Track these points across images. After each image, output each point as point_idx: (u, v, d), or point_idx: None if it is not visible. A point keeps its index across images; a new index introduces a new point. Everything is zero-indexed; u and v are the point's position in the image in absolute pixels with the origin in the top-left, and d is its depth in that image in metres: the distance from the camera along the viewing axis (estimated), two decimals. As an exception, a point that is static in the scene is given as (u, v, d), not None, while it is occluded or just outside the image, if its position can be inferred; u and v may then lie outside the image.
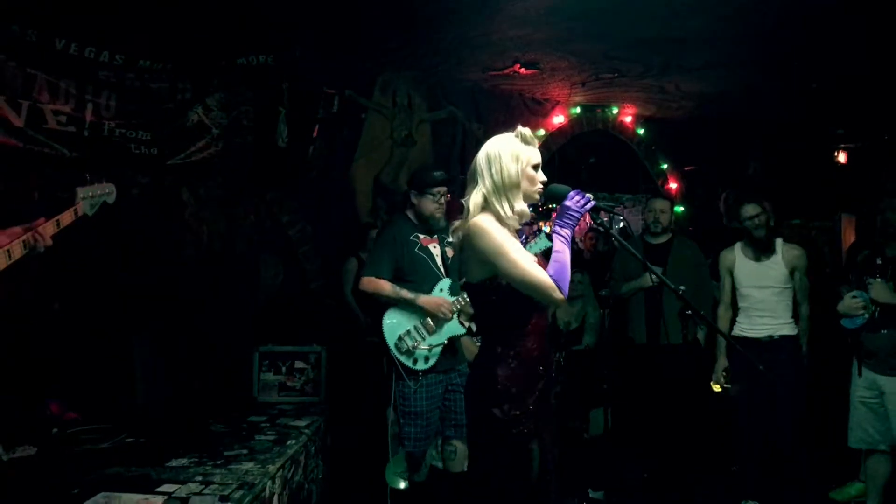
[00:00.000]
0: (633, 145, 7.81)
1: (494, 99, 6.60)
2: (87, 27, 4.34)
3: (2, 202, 3.92)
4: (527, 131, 2.21)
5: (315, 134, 5.25)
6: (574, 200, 2.16)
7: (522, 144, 2.19)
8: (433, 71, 5.93)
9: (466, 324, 3.55)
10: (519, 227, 2.20)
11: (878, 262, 3.28)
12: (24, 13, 4.09)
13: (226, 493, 2.73)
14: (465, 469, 3.46)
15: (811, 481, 3.89)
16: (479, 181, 2.16)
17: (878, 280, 3.24)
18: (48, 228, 2.02)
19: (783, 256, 3.83)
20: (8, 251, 1.84)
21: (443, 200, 3.41)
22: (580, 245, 8.19)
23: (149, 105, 4.69)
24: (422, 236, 3.44)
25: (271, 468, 3.06)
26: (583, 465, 4.40)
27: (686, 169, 8.10)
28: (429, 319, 3.32)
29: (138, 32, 4.50)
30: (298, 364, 4.37)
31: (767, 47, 5.10)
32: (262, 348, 4.40)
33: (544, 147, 7.04)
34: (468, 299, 3.32)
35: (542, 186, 2.20)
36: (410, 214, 3.49)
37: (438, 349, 3.35)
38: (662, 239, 4.38)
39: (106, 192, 2.39)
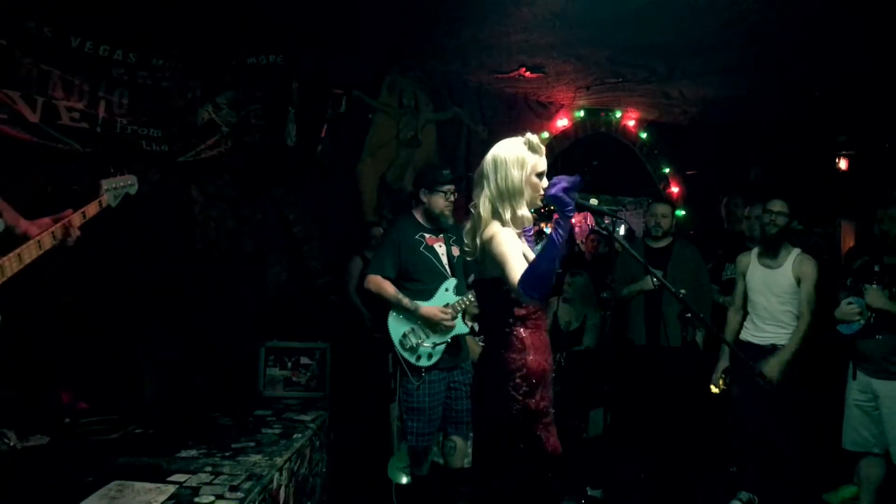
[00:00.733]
0: (636, 149, 7.87)
1: (499, 101, 6.66)
2: (102, 26, 4.42)
3: (17, 195, 3.97)
4: (535, 139, 2.27)
5: (323, 133, 5.32)
6: (557, 187, 2.03)
7: (529, 152, 2.25)
8: (439, 73, 6.01)
9: (469, 323, 3.63)
10: (519, 231, 2.27)
11: (877, 269, 3.34)
12: (41, 11, 4.17)
13: (235, 483, 2.81)
14: (465, 465, 3.54)
15: (806, 483, 3.96)
16: (485, 185, 2.23)
17: (874, 286, 3.30)
18: (76, 219, 2.09)
19: (793, 266, 3.85)
20: (38, 242, 1.90)
21: (451, 198, 3.48)
22: (582, 247, 8.26)
23: (160, 103, 4.77)
24: (427, 236, 3.49)
25: (279, 460, 3.14)
26: (582, 465, 4.47)
27: (688, 173, 8.17)
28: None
29: (151, 32, 4.58)
30: (304, 360, 4.45)
31: (769, 53, 5.16)
32: (269, 344, 4.47)
33: (548, 149, 7.10)
34: (472, 299, 3.39)
35: (543, 192, 2.26)
36: (417, 214, 3.55)
37: (442, 347, 3.41)
38: (663, 243, 4.45)
39: (129, 183, 2.46)
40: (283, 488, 3.15)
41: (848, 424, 3.63)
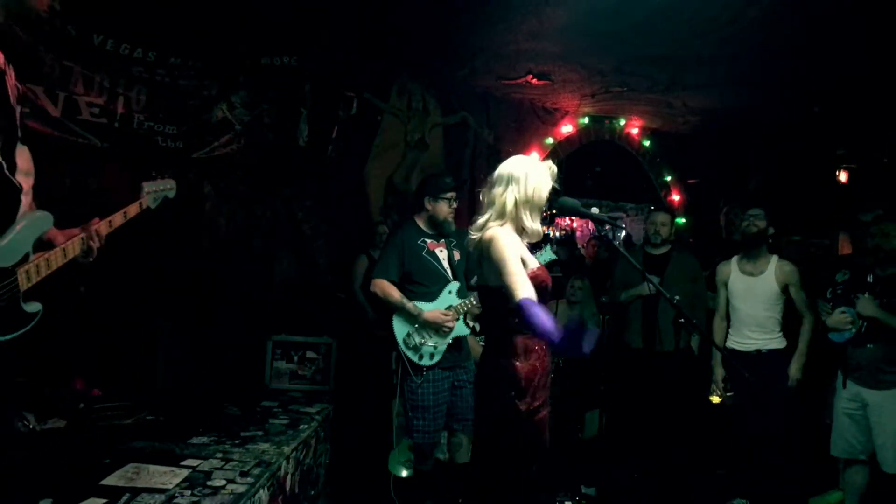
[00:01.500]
0: (639, 156, 7.99)
1: (506, 106, 6.79)
2: (123, 25, 4.55)
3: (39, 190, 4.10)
4: (554, 167, 2.45)
5: (334, 134, 5.45)
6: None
7: (549, 174, 2.42)
8: (448, 77, 6.13)
9: (471, 324, 3.75)
10: (528, 242, 2.41)
11: (870, 279, 3.47)
12: (66, 9, 4.30)
13: (245, 469, 2.94)
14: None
15: (794, 488, 4.07)
16: (514, 186, 2.36)
17: (866, 296, 3.43)
18: (115, 220, 2.20)
19: (775, 273, 3.99)
20: (80, 239, 2.02)
21: (454, 204, 3.61)
22: (582, 251, 8.39)
23: (176, 100, 4.91)
24: (429, 241, 3.62)
25: (286, 449, 3.27)
26: (577, 464, 4.60)
27: (689, 182, 8.29)
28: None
29: (170, 31, 4.71)
30: (309, 354, 4.58)
31: (770, 69, 5.28)
32: (276, 338, 4.60)
33: (552, 155, 7.24)
34: (474, 301, 3.51)
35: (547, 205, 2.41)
36: (419, 220, 3.67)
37: (444, 347, 3.53)
38: (662, 250, 4.58)
39: (168, 187, 2.57)
40: (289, 476, 3.27)
41: (836, 432, 3.75)
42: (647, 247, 4.68)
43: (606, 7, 4.18)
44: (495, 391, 2.30)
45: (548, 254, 3.38)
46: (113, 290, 4.43)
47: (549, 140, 7.20)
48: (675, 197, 8.19)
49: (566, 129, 7.30)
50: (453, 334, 3.55)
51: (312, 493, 3.76)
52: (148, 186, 2.43)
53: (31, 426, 3.26)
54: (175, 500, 2.58)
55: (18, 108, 1.88)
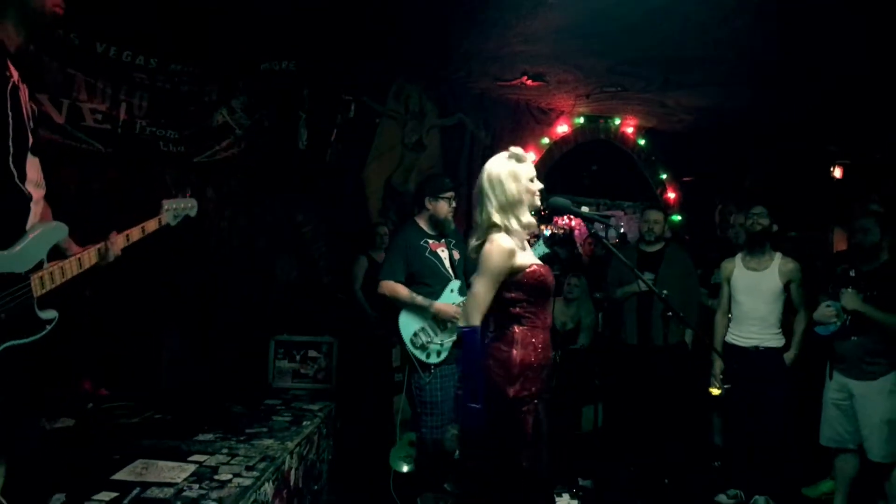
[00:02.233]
0: (634, 155, 8.09)
1: (502, 107, 6.89)
2: (125, 32, 4.65)
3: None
4: (519, 150, 2.48)
5: (333, 138, 5.55)
6: None
7: (517, 163, 2.45)
8: (444, 80, 6.23)
9: None
10: (527, 236, 2.49)
11: (852, 274, 3.57)
12: (69, 18, 4.39)
13: (250, 463, 3.03)
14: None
15: (788, 479, 4.17)
16: (486, 202, 2.43)
17: (850, 290, 3.53)
18: (133, 234, 2.28)
19: (779, 269, 4.08)
20: (97, 250, 2.11)
21: (453, 204, 3.71)
22: (580, 249, 8.49)
23: (177, 106, 5.00)
24: (430, 241, 3.71)
25: (290, 444, 3.36)
26: (574, 458, 4.70)
27: (684, 179, 8.39)
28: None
29: (171, 38, 4.81)
30: (311, 353, 4.67)
31: (762, 68, 5.38)
32: (278, 337, 4.69)
33: (548, 154, 7.35)
34: None
35: (539, 193, 2.48)
36: (420, 221, 3.76)
37: (450, 344, 3.62)
38: (656, 247, 4.67)
39: (189, 206, 2.61)
40: (293, 471, 3.37)
41: (825, 422, 3.84)
42: (641, 244, 4.77)
43: (598, 10, 4.27)
44: (486, 375, 2.39)
45: (540, 248, 3.47)
46: (118, 293, 4.52)
47: (545, 140, 7.30)
48: (671, 194, 8.29)
49: (562, 128, 7.41)
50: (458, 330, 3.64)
51: (316, 487, 3.85)
52: (168, 204, 2.48)
53: (40, 425, 3.36)
54: (184, 493, 2.67)
55: (31, 121, 1.97)
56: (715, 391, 4.33)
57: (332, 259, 5.77)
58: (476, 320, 2.33)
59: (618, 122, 7.75)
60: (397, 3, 4.30)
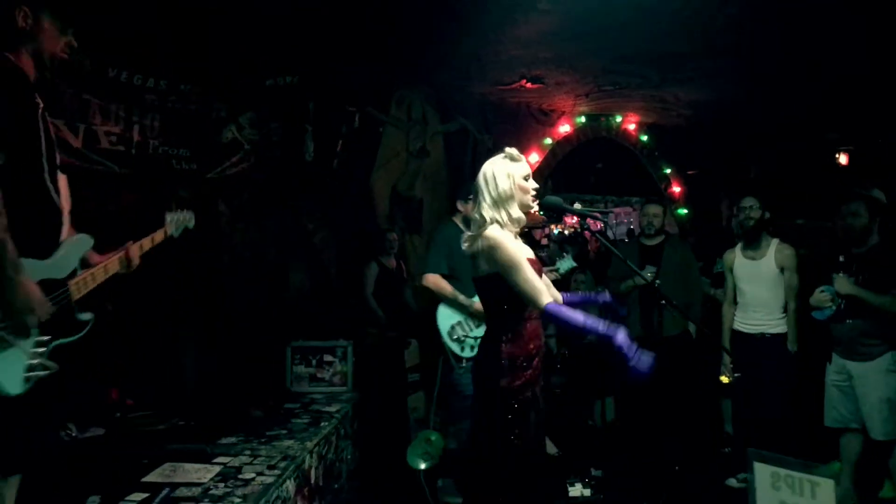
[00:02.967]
0: (637, 151, 8.18)
1: (503, 110, 7.02)
2: (135, 57, 4.83)
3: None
4: (513, 151, 2.63)
5: (339, 148, 5.71)
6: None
7: (511, 162, 2.60)
8: (445, 86, 6.38)
9: None
10: (518, 230, 2.61)
11: (841, 259, 3.67)
12: (80, 44, 4.59)
13: (272, 463, 3.19)
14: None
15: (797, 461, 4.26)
16: (481, 199, 2.58)
17: (842, 275, 3.63)
18: (145, 244, 2.47)
19: (775, 256, 4.21)
20: (119, 259, 2.29)
21: None
22: (588, 246, 8.60)
23: (188, 125, 5.18)
24: None
25: (309, 444, 3.51)
26: (586, 449, 4.82)
27: (689, 173, 8.46)
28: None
29: (179, 61, 5.00)
30: (327, 357, 4.82)
31: (755, 63, 5.48)
32: (294, 343, 4.85)
33: (550, 154, 7.47)
34: None
35: (534, 192, 2.61)
36: (457, 220, 3.97)
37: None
38: (656, 240, 4.78)
39: (186, 218, 2.84)
40: (313, 469, 3.52)
41: (828, 403, 3.93)
42: (642, 238, 4.88)
43: (589, 11, 4.39)
44: (484, 369, 2.53)
45: (568, 262, 3.60)
46: (138, 307, 4.70)
47: (548, 140, 7.42)
48: (676, 188, 8.36)
49: (563, 128, 7.52)
50: None
51: (336, 486, 4.00)
52: (170, 216, 2.70)
53: (73, 434, 3.54)
54: (210, 492, 2.82)
55: (55, 143, 2.15)
56: (725, 379, 4.44)
57: (342, 266, 5.92)
58: (545, 300, 2.39)
59: (619, 119, 7.84)
60: (393, 10, 4.44)
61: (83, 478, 2.94)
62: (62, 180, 2.15)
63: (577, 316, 2.38)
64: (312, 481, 3.49)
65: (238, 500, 2.75)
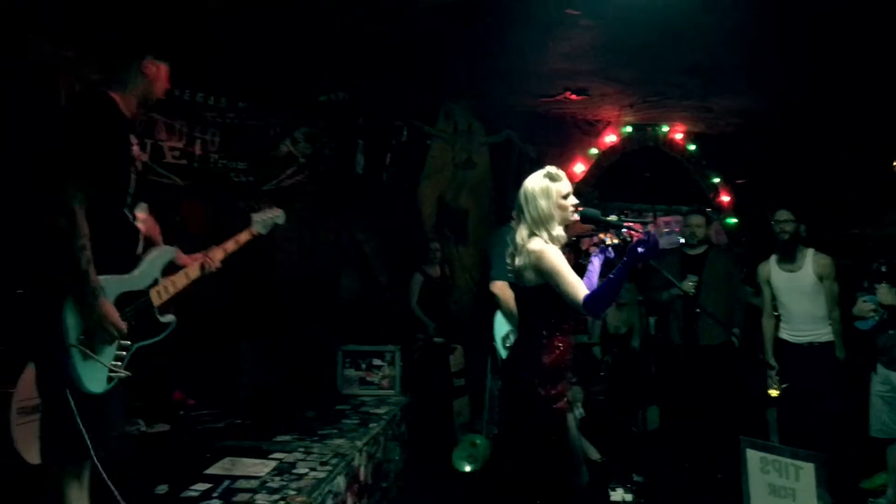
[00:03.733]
0: (684, 160, 8.15)
1: (547, 122, 7.13)
2: (197, 76, 5.14)
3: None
4: (553, 169, 2.71)
5: (387, 161, 5.93)
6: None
7: (551, 182, 2.68)
8: (490, 99, 6.53)
9: None
10: (560, 246, 2.71)
11: (883, 269, 3.66)
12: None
13: (324, 460, 3.38)
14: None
15: (845, 472, 4.22)
16: (522, 216, 2.69)
17: (884, 285, 3.62)
18: (228, 246, 2.68)
19: (812, 266, 4.18)
20: (200, 265, 2.52)
21: None
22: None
23: (246, 140, 5.47)
24: None
25: (358, 443, 3.70)
26: (629, 456, 4.87)
27: (738, 182, 8.39)
28: None
29: (237, 79, 5.29)
30: (376, 361, 5.02)
31: (801, 72, 5.46)
32: (345, 347, 5.06)
33: (596, 164, 7.53)
34: None
35: (573, 208, 2.71)
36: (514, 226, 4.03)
37: None
38: (699, 250, 4.82)
39: (276, 215, 2.99)
40: (362, 467, 3.70)
41: (873, 414, 3.92)
42: (685, 248, 4.93)
43: (630, 25, 4.48)
44: (519, 377, 2.63)
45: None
46: (200, 311, 4.97)
47: (593, 151, 7.48)
48: (725, 198, 8.30)
49: (609, 138, 7.56)
50: None
51: (384, 485, 4.17)
52: (256, 216, 2.88)
53: (142, 429, 3.81)
54: (267, 484, 3.03)
55: (142, 173, 2.38)
56: (774, 392, 4.41)
57: (391, 274, 6.12)
58: (583, 292, 2.48)
59: (666, 129, 7.83)
60: (438, 30, 4.62)
61: (152, 467, 3.18)
62: (141, 205, 2.37)
63: (608, 282, 2.46)
64: (362, 479, 3.67)
65: (292, 492, 2.94)
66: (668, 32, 4.62)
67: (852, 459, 4.40)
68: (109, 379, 2.14)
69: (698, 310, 3.26)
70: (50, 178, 2.10)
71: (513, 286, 2.75)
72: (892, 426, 3.80)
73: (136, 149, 2.30)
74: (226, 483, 3.03)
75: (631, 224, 2.93)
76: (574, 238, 5.36)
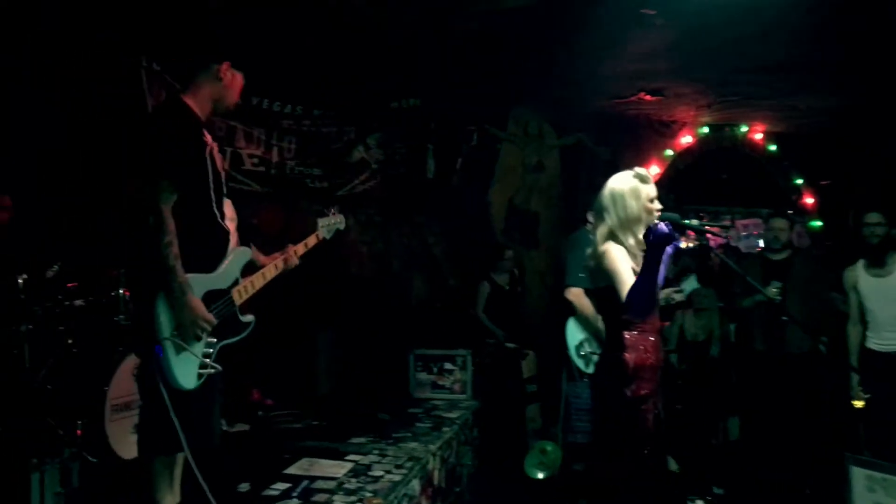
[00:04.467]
0: (764, 161, 7.86)
1: (621, 123, 6.99)
2: (273, 85, 5.29)
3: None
4: (643, 171, 2.64)
5: (458, 165, 5.96)
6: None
7: (641, 183, 2.59)
8: (561, 102, 6.46)
9: None
10: (642, 253, 2.64)
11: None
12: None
13: (399, 463, 3.41)
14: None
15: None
16: (606, 217, 2.59)
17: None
18: (298, 249, 2.76)
19: None
20: (275, 265, 2.59)
21: None
22: (711, 260, 8.33)
23: (321, 146, 5.61)
24: None
25: (432, 447, 3.71)
26: (708, 467, 4.72)
27: (822, 183, 8.03)
28: None
29: (312, 87, 5.42)
30: (447, 365, 5.03)
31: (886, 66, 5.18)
32: (416, 351, 5.09)
33: (671, 166, 7.34)
34: None
35: (657, 213, 2.64)
36: (590, 230, 3.95)
37: None
38: (783, 255, 4.62)
39: (338, 221, 3.07)
40: (436, 471, 3.71)
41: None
42: (767, 253, 4.74)
43: (709, 24, 4.35)
44: (606, 379, 2.59)
45: (693, 282, 3.51)
46: (278, 314, 5.11)
47: (669, 152, 7.30)
48: (808, 200, 7.96)
49: (685, 139, 7.37)
50: None
51: (457, 489, 4.17)
52: (322, 221, 2.95)
53: (223, 428, 3.93)
54: (344, 486, 3.08)
55: (223, 171, 2.45)
56: (858, 403, 4.21)
57: (461, 277, 6.14)
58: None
59: (745, 129, 7.57)
60: (510, 34, 4.61)
61: (234, 466, 3.28)
62: (228, 204, 2.45)
63: (636, 281, 2.40)
64: (435, 483, 3.68)
65: (369, 494, 2.97)
66: (752, 29, 4.46)
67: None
68: (200, 375, 2.20)
69: (786, 318, 3.11)
70: (136, 177, 2.19)
71: (589, 290, 2.70)
72: None
73: (215, 151, 2.37)
74: (304, 483, 3.09)
75: (713, 228, 2.84)
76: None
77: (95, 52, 4.10)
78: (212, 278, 2.30)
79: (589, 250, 2.69)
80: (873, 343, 4.11)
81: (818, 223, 7.69)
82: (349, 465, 3.37)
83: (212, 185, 2.31)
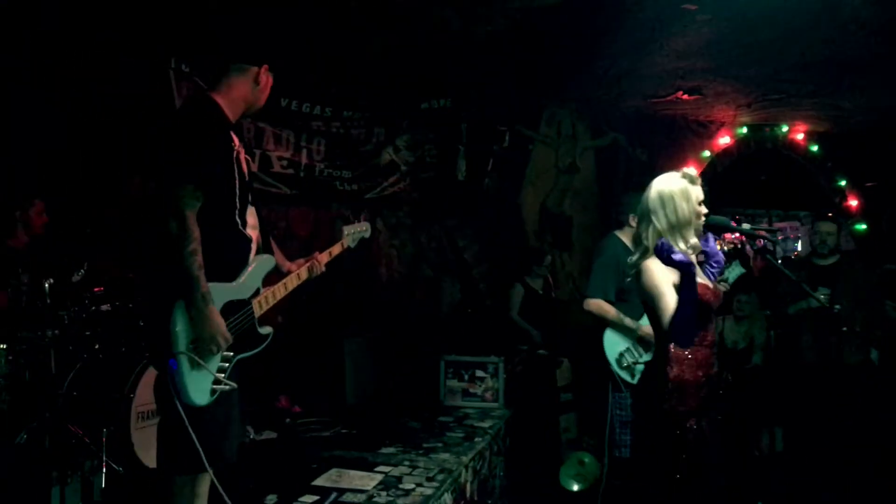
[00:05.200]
0: (806, 162, 7.59)
1: (657, 123, 6.79)
2: (302, 86, 5.22)
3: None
4: (692, 171, 2.50)
5: (489, 167, 5.83)
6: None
7: (690, 184, 2.44)
8: (596, 101, 6.29)
9: None
10: (694, 254, 2.49)
11: None
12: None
13: (430, 475, 3.29)
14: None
15: None
16: (653, 219, 2.43)
17: None
18: (323, 257, 2.66)
19: None
20: (297, 274, 2.49)
21: None
22: (752, 265, 8.07)
23: (350, 148, 5.53)
24: None
25: (464, 459, 3.58)
26: (752, 480, 4.52)
27: (867, 185, 7.73)
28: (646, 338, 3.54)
29: (341, 89, 5.34)
30: (479, 373, 4.89)
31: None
32: (447, 357, 4.97)
33: (710, 167, 7.12)
34: None
35: (705, 216, 2.49)
36: (623, 236, 3.76)
37: None
38: (830, 260, 4.41)
39: (363, 229, 2.96)
40: (468, 483, 3.58)
41: None
42: (813, 258, 4.53)
43: (751, 19, 4.17)
44: (648, 392, 2.45)
45: (737, 268, 3.35)
46: (306, 320, 5.04)
47: (706, 153, 7.08)
48: (853, 202, 7.66)
49: (723, 140, 7.14)
50: None
51: (490, 502, 4.03)
52: (347, 229, 2.85)
53: (251, 437, 3.86)
54: (374, 500, 2.96)
55: (248, 177, 2.35)
56: None
57: (492, 282, 6.00)
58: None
59: (785, 129, 7.30)
60: (546, 31, 4.47)
61: (261, 476, 3.19)
62: (251, 212, 2.33)
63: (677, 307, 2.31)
64: (468, 495, 3.55)
65: (399, 509, 2.86)
66: (796, 26, 4.27)
67: None
68: (213, 391, 2.09)
69: (845, 328, 2.93)
70: (159, 179, 2.09)
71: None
72: None
73: (242, 155, 2.27)
74: (333, 496, 2.99)
75: (762, 232, 2.68)
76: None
77: (96, 52, 4.05)
78: (232, 288, 2.19)
79: (633, 258, 2.53)
80: None
81: (863, 226, 7.39)
82: (379, 477, 3.25)
83: (237, 192, 2.20)
